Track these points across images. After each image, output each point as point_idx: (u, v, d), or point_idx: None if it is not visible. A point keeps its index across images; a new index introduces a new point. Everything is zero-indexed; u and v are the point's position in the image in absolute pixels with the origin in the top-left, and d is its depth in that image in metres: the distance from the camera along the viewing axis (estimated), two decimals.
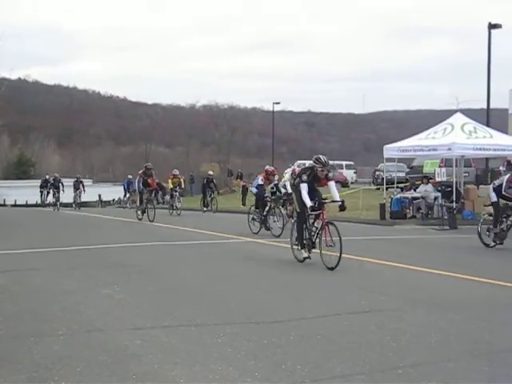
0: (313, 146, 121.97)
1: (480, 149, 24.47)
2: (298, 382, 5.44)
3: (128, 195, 45.17)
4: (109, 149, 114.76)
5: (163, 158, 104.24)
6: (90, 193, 63.14)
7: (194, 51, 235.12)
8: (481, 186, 29.30)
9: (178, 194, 29.70)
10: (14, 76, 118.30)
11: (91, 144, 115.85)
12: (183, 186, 31.62)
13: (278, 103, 68.16)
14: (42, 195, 45.08)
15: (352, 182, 53.00)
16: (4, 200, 64.21)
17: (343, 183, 49.58)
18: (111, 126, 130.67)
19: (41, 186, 45.05)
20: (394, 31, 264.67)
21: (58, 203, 39.01)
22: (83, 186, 41.20)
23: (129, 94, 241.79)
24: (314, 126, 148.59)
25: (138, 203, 25.58)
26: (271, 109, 68.34)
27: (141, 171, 25.75)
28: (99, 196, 59.48)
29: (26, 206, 57.74)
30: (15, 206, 58.99)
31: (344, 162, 61.19)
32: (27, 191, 65.94)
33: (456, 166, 25.89)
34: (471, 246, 17.48)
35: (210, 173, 35.69)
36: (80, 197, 40.96)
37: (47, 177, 44.18)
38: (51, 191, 40.57)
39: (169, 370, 5.73)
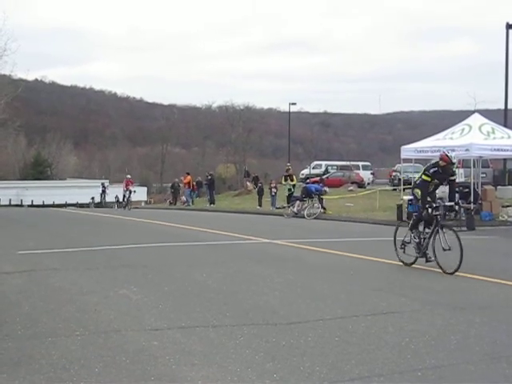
0: (329, 147, 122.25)
1: (498, 149, 24.30)
2: None
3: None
4: (125, 149, 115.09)
5: (179, 158, 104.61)
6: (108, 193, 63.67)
7: (209, 52, 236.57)
8: (498, 187, 29.14)
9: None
10: (30, 77, 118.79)
11: (107, 145, 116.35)
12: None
13: (294, 104, 68.06)
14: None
15: (369, 183, 52.83)
16: (21, 200, 64.64)
17: (360, 184, 49.46)
18: (127, 127, 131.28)
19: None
20: (410, 32, 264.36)
21: None
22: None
23: (145, 94, 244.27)
24: (330, 126, 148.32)
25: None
26: (287, 109, 68.27)
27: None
28: (116, 197, 60.08)
29: (43, 206, 58.08)
30: (32, 206, 59.34)
31: (360, 163, 61.06)
32: (44, 192, 66.47)
33: (474, 167, 25.74)
34: (489, 247, 17.41)
35: None
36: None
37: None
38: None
39: (186, 372, 5.71)
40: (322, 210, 29.76)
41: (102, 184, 58.43)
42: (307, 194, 29.30)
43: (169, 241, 16.87)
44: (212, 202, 42.84)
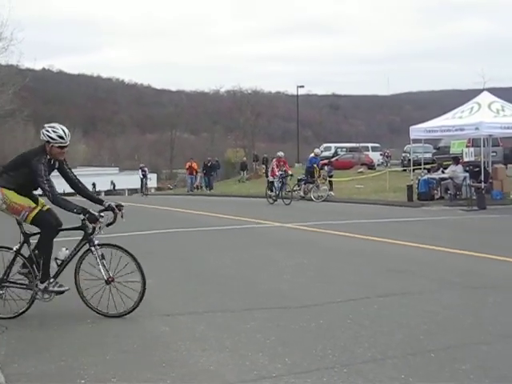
0: (338, 129, 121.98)
1: (508, 127, 24.09)
2: (329, 367, 5.36)
3: None
4: (134, 136, 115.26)
5: (188, 144, 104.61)
6: (118, 181, 63.52)
7: (216, 37, 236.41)
8: (509, 166, 28.97)
9: None
10: (37, 66, 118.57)
11: (116, 132, 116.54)
12: None
13: (302, 87, 68.03)
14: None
15: (378, 165, 52.55)
16: None
17: (369, 166, 49.25)
18: (136, 114, 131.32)
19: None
20: (417, 11, 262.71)
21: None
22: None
23: (153, 81, 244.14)
24: (339, 108, 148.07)
25: None
26: (295, 93, 68.08)
27: None
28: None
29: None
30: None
31: (370, 145, 60.79)
32: (54, 180, 66.23)
33: (484, 146, 25.55)
34: (501, 226, 17.31)
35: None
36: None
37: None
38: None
39: (198, 357, 5.68)
40: (332, 193, 29.55)
41: (142, 168, 48.67)
42: (309, 174, 28.98)
43: (178, 226, 16.84)
44: (210, 187, 43.39)
